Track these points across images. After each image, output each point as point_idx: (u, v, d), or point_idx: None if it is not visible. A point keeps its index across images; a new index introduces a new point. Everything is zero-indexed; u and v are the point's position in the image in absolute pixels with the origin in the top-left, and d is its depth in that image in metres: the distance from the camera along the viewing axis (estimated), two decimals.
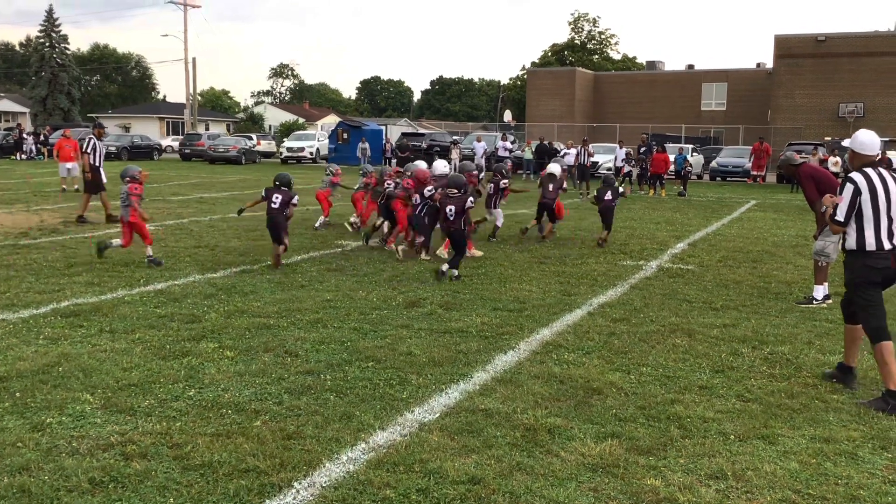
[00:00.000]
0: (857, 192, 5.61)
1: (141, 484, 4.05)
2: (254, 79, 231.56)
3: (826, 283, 8.84)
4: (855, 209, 5.63)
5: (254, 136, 54.01)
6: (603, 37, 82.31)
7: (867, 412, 5.34)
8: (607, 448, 4.60)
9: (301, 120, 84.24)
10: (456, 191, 10.05)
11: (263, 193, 10.72)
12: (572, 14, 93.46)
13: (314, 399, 5.34)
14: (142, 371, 5.87)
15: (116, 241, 10.64)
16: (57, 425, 4.79)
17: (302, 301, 8.34)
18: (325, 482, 4.09)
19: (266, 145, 52.22)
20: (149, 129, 63.84)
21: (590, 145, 28.92)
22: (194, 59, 57.23)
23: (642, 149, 28.98)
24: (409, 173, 12.46)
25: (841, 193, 5.71)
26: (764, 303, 8.86)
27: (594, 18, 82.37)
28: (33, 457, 4.32)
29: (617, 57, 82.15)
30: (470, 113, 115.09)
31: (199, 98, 73.52)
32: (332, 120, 79.94)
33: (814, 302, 8.76)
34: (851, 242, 5.69)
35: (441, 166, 12.52)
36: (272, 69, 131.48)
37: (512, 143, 37.43)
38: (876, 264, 5.60)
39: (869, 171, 5.67)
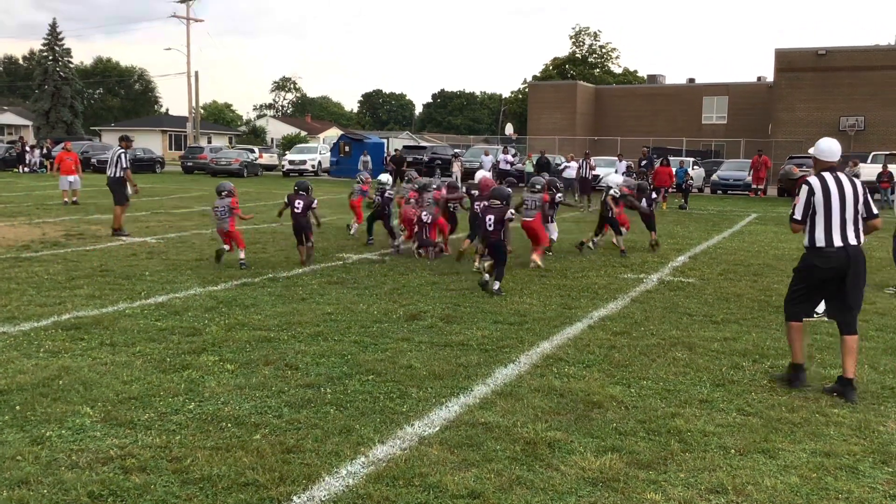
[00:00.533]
0: (810, 193, 6.13)
1: (140, 498, 4.05)
2: (256, 92, 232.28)
3: None
4: (809, 209, 6.13)
5: (256, 149, 54.19)
6: (604, 50, 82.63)
7: (868, 426, 5.33)
8: (607, 462, 4.59)
9: (303, 133, 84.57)
10: (498, 202, 10.15)
11: (286, 200, 11.94)
12: (573, 28, 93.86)
13: (314, 412, 5.34)
14: (142, 384, 5.87)
15: (225, 247, 11.67)
16: (56, 439, 4.79)
17: (302, 314, 8.35)
18: (324, 496, 4.09)
19: (268, 158, 52.34)
20: (151, 143, 63.98)
21: (591, 158, 28.97)
22: (197, 73, 57.52)
23: (643, 162, 29.02)
24: (413, 184, 13.85)
25: (798, 195, 6.24)
26: (765, 316, 8.86)
27: (595, 32, 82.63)
28: (33, 470, 4.32)
29: (618, 70, 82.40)
30: (472, 126, 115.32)
31: (202, 111, 73.75)
32: (334, 133, 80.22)
33: (814, 316, 8.73)
34: (805, 239, 6.24)
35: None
36: (274, 82, 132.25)
37: (513, 156, 37.48)
38: (823, 262, 6.09)
39: (826, 175, 6.16)
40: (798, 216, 6.19)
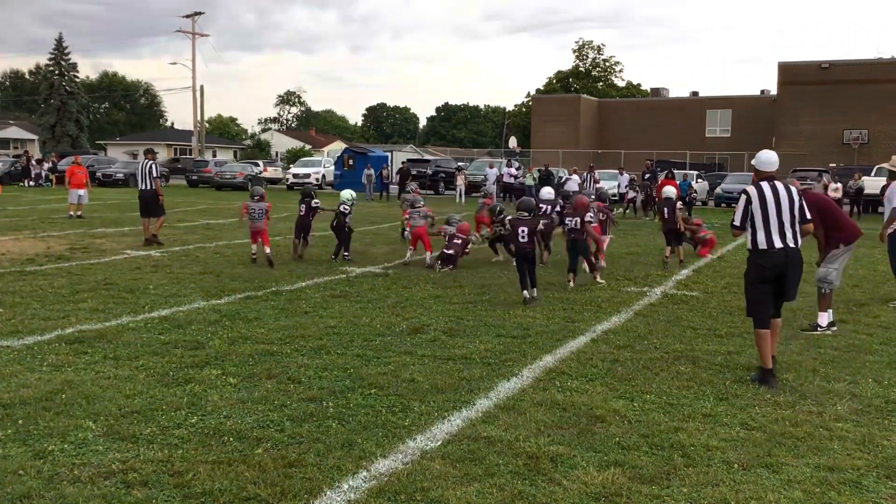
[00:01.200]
0: (748, 201, 6.79)
1: None
2: (261, 106, 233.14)
3: (831, 310, 8.81)
4: (747, 216, 6.76)
5: (260, 162, 54.29)
6: (607, 64, 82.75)
7: (872, 440, 5.30)
8: (610, 476, 4.58)
9: (307, 146, 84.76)
10: (526, 214, 10.63)
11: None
12: (577, 42, 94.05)
13: (316, 426, 5.34)
14: (144, 398, 5.87)
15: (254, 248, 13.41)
16: (59, 453, 4.79)
17: (305, 327, 8.35)
18: None
19: (272, 172, 52.45)
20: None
21: (596, 171, 28.99)
22: (202, 87, 57.80)
23: (646, 175, 29.02)
24: (420, 203, 14.11)
25: (738, 203, 6.92)
26: None
27: (599, 46, 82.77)
28: (35, 485, 4.32)
29: (621, 84, 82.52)
30: (475, 139, 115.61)
31: (207, 125, 74.03)
32: (338, 146, 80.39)
33: (818, 329, 8.73)
34: (748, 242, 6.86)
35: (546, 193, 14.83)
36: (279, 96, 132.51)
37: (517, 169, 37.56)
38: (766, 262, 6.70)
39: (763, 183, 6.81)
40: (737, 223, 6.85)
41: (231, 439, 5.06)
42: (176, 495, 4.24)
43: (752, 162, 7.16)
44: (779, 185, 6.80)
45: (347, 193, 14.45)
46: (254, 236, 13.42)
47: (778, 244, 6.67)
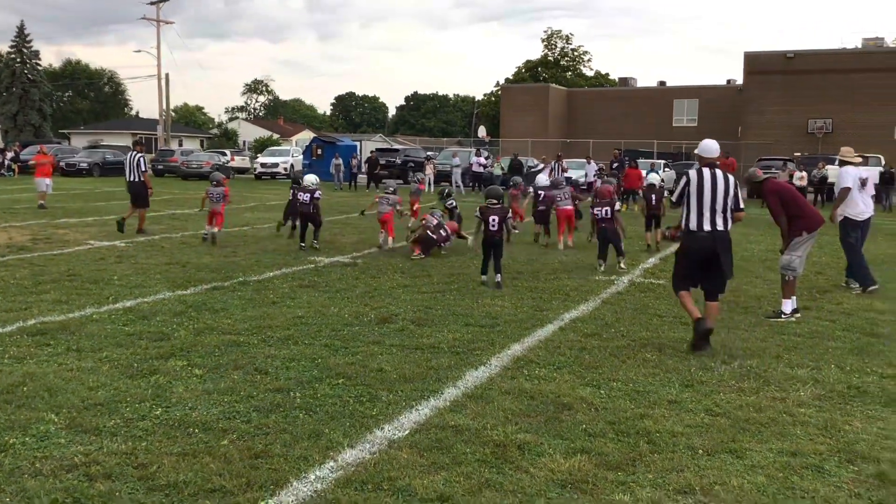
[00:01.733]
0: (686, 183, 7.29)
1: None
2: (228, 94, 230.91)
3: (794, 297, 8.93)
4: (684, 196, 7.28)
5: (227, 151, 53.80)
6: (576, 54, 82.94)
7: (834, 425, 5.38)
8: (576, 464, 4.60)
9: (275, 136, 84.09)
10: (495, 202, 10.80)
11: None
12: (546, 31, 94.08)
13: (283, 417, 5.30)
14: (108, 390, 5.80)
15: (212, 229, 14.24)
16: (20, 446, 4.71)
17: (273, 318, 8.30)
18: (291, 501, 4.06)
19: (240, 161, 51.99)
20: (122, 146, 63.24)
21: (563, 161, 29.08)
22: (167, 75, 57.28)
23: (614, 164, 29.17)
24: (391, 189, 14.80)
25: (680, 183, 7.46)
26: (733, 317, 8.93)
27: (567, 36, 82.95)
28: None
29: (590, 74, 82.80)
30: (445, 129, 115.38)
31: (173, 114, 73.18)
32: (306, 136, 79.86)
33: (782, 316, 8.84)
34: (682, 223, 7.38)
35: (543, 179, 16.61)
36: (246, 85, 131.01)
37: (486, 158, 37.57)
38: (693, 243, 7.24)
39: (704, 170, 7.27)
40: (674, 199, 7.50)
41: (196, 431, 5.02)
42: (140, 488, 4.19)
43: (696, 150, 7.66)
44: (718, 172, 7.26)
45: (312, 178, 14.51)
46: (209, 217, 14.80)
47: (706, 227, 7.16)
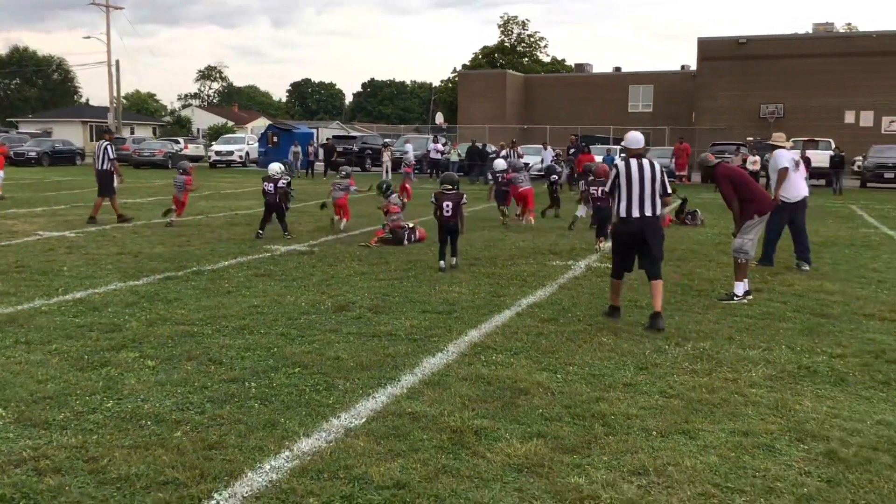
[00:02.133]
0: (617, 174, 7.84)
1: (54, 500, 3.91)
2: (181, 81, 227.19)
3: (746, 280, 9.06)
4: (616, 186, 7.81)
5: (181, 139, 53.00)
6: (532, 40, 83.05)
7: (784, 405, 5.48)
8: (532, 448, 4.63)
9: (230, 123, 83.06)
10: (450, 188, 10.90)
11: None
12: (502, 17, 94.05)
13: (238, 407, 5.25)
14: (58, 383, 5.68)
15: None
16: None
17: (228, 307, 8.20)
18: (246, 492, 4.01)
19: (194, 149, 51.25)
20: (71, 134, 61.98)
21: (519, 147, 29.16)
22: (118, 62, 55.95)
23: (571, 150, 29.34)
24: (344, 174, 15.15)
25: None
26: (687, 300, 9.05)
27: (523, 21, 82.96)
28: None
29: (546, 60, 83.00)
30: (402, 115, 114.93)
31: (124, 101, 71.82)
32: (262, 123, 78.97)
33: (734, 298, 8.97)
34: (614, 210, 7.91)
35: (501, 164, 18.06)
36: (199, 71, 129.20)
37: (444, 144, 37.54)
38: (624, 228, 7.77)
39: (632, 160, 7.79)
40: (607, 190, 8.08)
41: (149, 423, 4.94)
42: (90, 481, 4.12)
43: (622, 142, 8.26)
44: (644, 162, 7.79)
45: (276, 167, 14.51)
46: (174, 203, 15.66)
47: (635, 214, 7.68)
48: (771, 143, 11.69)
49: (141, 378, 5.83)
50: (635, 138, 8.04)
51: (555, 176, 19.55)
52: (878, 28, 53.12)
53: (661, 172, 7.86)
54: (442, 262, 10.75)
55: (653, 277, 7.78)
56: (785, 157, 11.21)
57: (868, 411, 5.40)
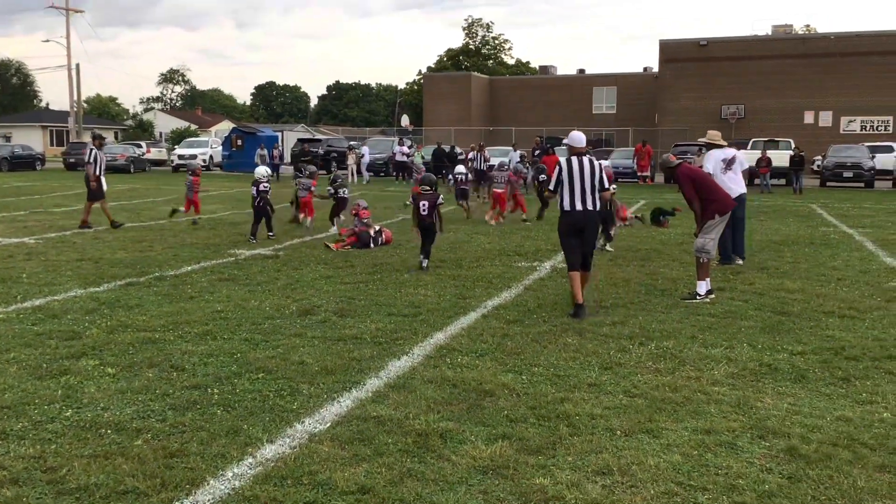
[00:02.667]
0: (560, 171, 8.32)
1: None
2: (142, 85, 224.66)
3: (708, 279, 9.16)
4: (559, 182, 8.30)
5: (143, 143, 52.38)
6: (497, 42, 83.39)
7: (746, 402, 5.54)
8: (497, 450, 4.63)
9: (193, 126, 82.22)
10: (428, 188, 11.20)
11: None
12: (466, 20, 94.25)
13: (200, 414, 5.18)
14: (15, 392, 5.57)
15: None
16: None
17: (190, 313, 8.11)
18: (208, 500, 3.96)
19: (156, 153, 50.69)
20: (31, 139, 60.96)
21: (486, 150, 29.20)
22: (78, 66, 55.10)
23: (536, 151, 29.45)
24: (307, 173, 15.80)
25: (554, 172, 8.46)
26: (651, 300, 9.12)
27: (488, 24, 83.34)
28: None
29: (511, 62, 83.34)
30: (368, 118, 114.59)
31: (85, 105, 70.80)
32: (226, 126, 78.26)
33: (697, 297, 9.06)
34: (559, 204, 8.38)
35: (461, 168, 19.75)
36: (162, 75, 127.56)
37: (409, 147, 37.51)
38: (569, 220, 8.27)
39: (573, 158, 8.31)
40: (552, 187, 8.46)
41: (108, 431, 4.86)
42: (49, 492, 4.04)
43: (565, 140, 8.72)
44: (585, 159, 8.32)
45: (262, 170, 14.72)
46: (187, 204, 16.79)
47: (578, 207, 8.22)
48: (707, 141, 11.61)
49: (101, 386, 5.74)
50: (578, 137, 8.53)
51: (543, 176, 19.42)
52: (836, 30, 53.99)
53: (601, 169, 8.40)
54: (422, 257, 11.06)
55: (584, 269, 8.35)
56: (712, 158, 11.27)
57: (828, 408, 5.48)
